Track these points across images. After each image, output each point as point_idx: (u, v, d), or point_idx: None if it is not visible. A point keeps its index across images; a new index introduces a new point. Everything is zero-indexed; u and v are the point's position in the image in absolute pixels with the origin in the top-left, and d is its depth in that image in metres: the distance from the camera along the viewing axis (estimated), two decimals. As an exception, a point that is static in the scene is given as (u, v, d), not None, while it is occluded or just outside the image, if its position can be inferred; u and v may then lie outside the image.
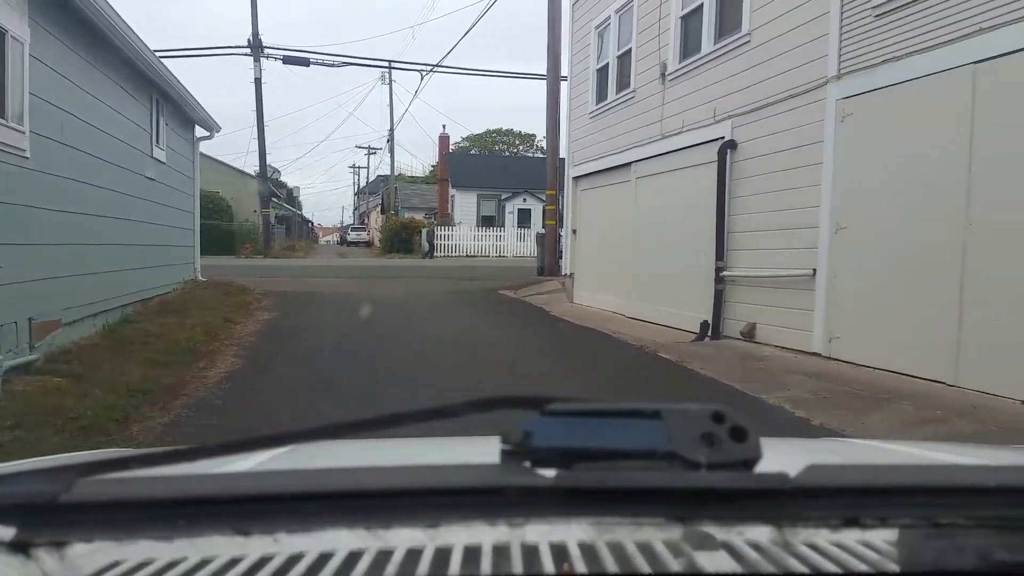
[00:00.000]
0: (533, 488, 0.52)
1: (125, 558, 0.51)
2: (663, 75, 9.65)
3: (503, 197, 37.86)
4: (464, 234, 34.42)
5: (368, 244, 47.28)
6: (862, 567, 0.47)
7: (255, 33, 27.74)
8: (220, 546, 0.51)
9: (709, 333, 8.45)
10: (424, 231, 34.17)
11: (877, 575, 0.47)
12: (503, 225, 36.16)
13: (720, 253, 8.29)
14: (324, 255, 36.13)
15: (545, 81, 16.13)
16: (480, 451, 0.74)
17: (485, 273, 19.08)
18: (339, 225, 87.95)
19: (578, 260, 13.15)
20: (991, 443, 3.97)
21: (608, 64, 11.60)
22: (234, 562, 0.50)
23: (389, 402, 5.02)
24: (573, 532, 0.51)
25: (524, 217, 36.06)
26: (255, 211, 31.39)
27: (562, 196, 14.31)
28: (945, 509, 0.52)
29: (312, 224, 74.49)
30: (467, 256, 32.40)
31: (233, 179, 32.98)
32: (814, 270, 6.89)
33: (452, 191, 38.97)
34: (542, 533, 0.51)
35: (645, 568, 0.47)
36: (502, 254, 33.51)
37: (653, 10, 9.94)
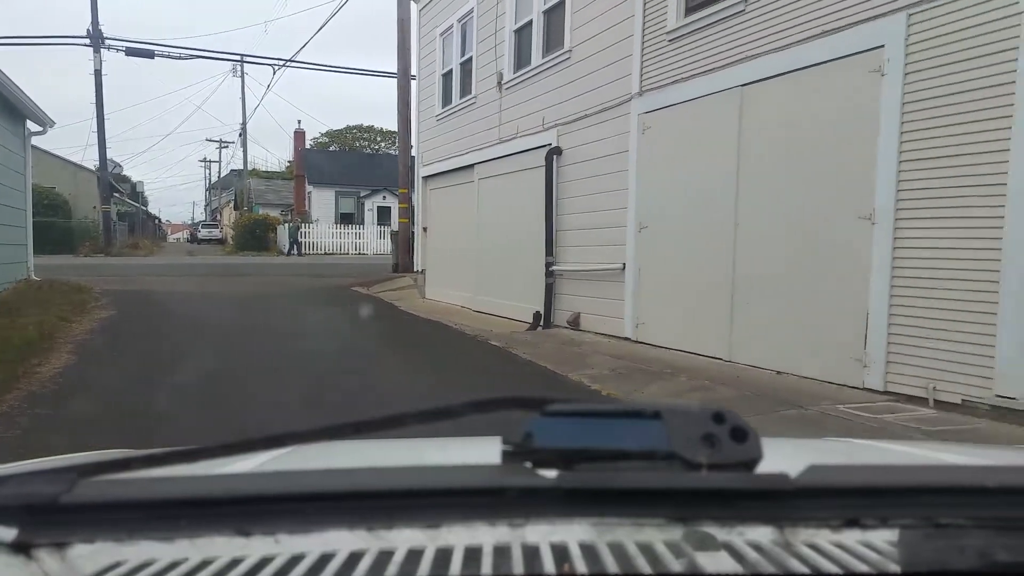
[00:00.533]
0: (534, 489, 0.53)
1: (126, 559, 0.51)
2: (500, 83, 10.34)
3: (362, 194, 37.72)
4: (323, 231, 34.04)
5: (221, 242, 45.54)
6: (863, 567, 0.48)
7: (95, 23, 26.27)
8: (221, 547, 0.51)
9: (541, 323, 9.21)
10: (287, 227, 33.39)
11: (878, 575, 0.47)
12: (363, 223, 36.07)
13: (550, 250, 9.06)
14: (171, 253, 34.59)
15: (397, 69, 16.46)
16: (481, 452, 0.74)
17: (340, 271, 19.19)
18: (190, 222, 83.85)
19: (429, 257, 13.66)
20: (745, 403, 4.85)
21: (452, 70, 12.19)
22: (235, 563, 0.50)
23: (224, 390, 5.32)
24: (574, 532, 0.51)
25: (384, 215, 36.10)
26: (95, 207, 29.66)
27: (414, 194, 14.76)
28: (946, 509, 0.52)
29: (159, 221, 70.63)
30: (325, 254, 32.09)
31: (71, 174, 31.06)
32: (624, 265, 7.77)
33: (309, 188, 38.38)
34: (543, 533, 0.51)
35: (646, 569, 0.47)
36: (362, 252, 33.42)
37: (490, 22, 10.61)
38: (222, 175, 59.90)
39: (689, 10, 6.71)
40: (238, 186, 44.00)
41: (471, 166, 11.44)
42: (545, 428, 0.55)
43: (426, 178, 13.58)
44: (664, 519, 0.52)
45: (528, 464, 0.55)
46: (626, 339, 7.70)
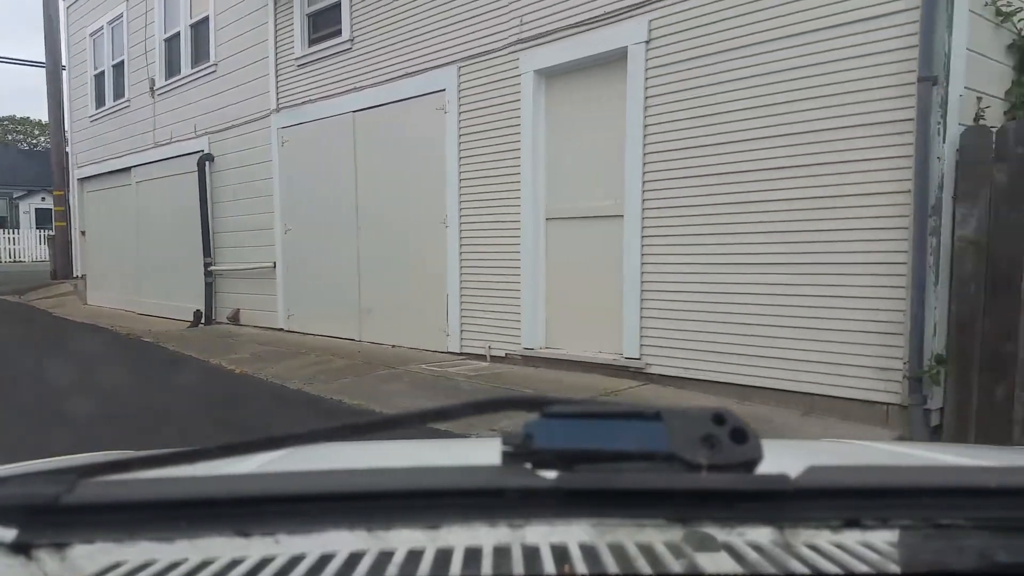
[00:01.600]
0: (534, 489, 0.53)
1: (126, 559, 0.51)
2: (152, 89, 10.56)
3: (16, 195, 33.49)
4: (-35, 237, 29.67)
5: None
6: (863, 568, 0.48)
7: None
8: (221, 547, 0.52)
9: (203, 320, 9.71)
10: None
11: (878, 575, 0.47)
12: (18, 226, 32.04)
13: (208, 250, 9.59)
14: None
15: (45, 71, 15.40)
16: (481, 452, 0.72)
17: (-14, 280, 17.32)
18: None
19: (89, 261, 13.19)
20: (351, 369, 6.04)
21: (105, 71, 12.00)
22: (235, 563, 0.50)
23: None
24: (574, 533, 0.52)
25: (44, 217, 32.38)
26: None
27: (71, 196, 14.04)
28: (946, 510, 0.52)
29: None
30: (-31, 262, 28.07)
31: None
32: (275, 263, 8.65)
33: (-55, 186, 33.06)
34: (543, 534, 0.52)
35: (646, 569, 0.47)
36: (18, 259, 29.73)
37: (141, 28, 10.76)
38: None
39: (311, 41, 7.81)
40: None
41: (128, 169, 11.42)
42: (545, 429, 0.55)
43: (82, 180, 13.10)
44: (664, 520, 0.52)
45: (528, 465, 0.55)
46: (279, 329, 8.59)
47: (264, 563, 0.50)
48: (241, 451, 0.66)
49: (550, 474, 0.53)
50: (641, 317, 5.21)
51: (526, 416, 0.57)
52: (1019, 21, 4.28)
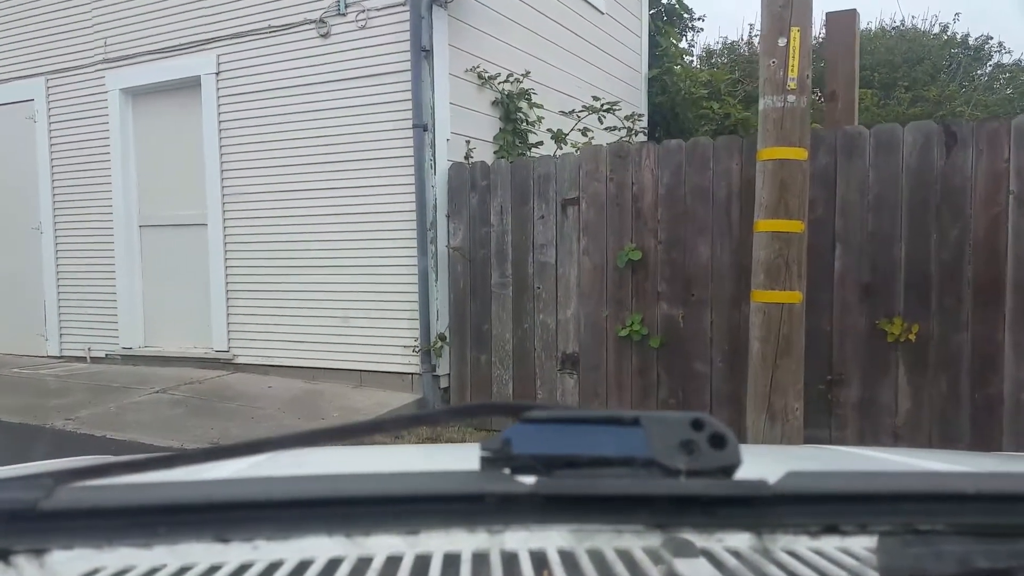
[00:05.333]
0: (512, 495, 0.53)
1: (105, 565, 0.51)
2: None
3: None
4: None
5: None
6: (841, 574, 0.48)
7: None
8: (200, 553, 0.51)
9: None
10: None
11: None
12: None
13: None
14: None
15: None
16: (461, 458, 0.71)
17: None
18: None
19: None
20: None
21: None
22: (214, 569, 0.50)
23: None
24: (552, 539, 0.52)
25: None
26: None
27: None
28: (924, 516, 0.52)
29: None
30: None
31: None
32: None
33: None
34: (521, 540, 0.52)
35: (625, 575, 0.48)
36: None
37: None
38: None
39: None
40: None
41: None
42: (523, 435, 0.55)
43: None
44: (643, 526, 0.52)
45: (507, 470, 0.55)
46: None
47: (243, 569, 0.50)
48: (221, 456, 0.67)
49: (529, 479, 0.53)
50: (228, 314, 5.92)
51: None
52: (499, 84, 5.77)
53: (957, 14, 19.46)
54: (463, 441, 4.35)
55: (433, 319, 5.21)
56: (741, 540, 0.52)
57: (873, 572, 0.49)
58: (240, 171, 5.79)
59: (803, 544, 0.52)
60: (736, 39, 15.26)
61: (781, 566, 0.50)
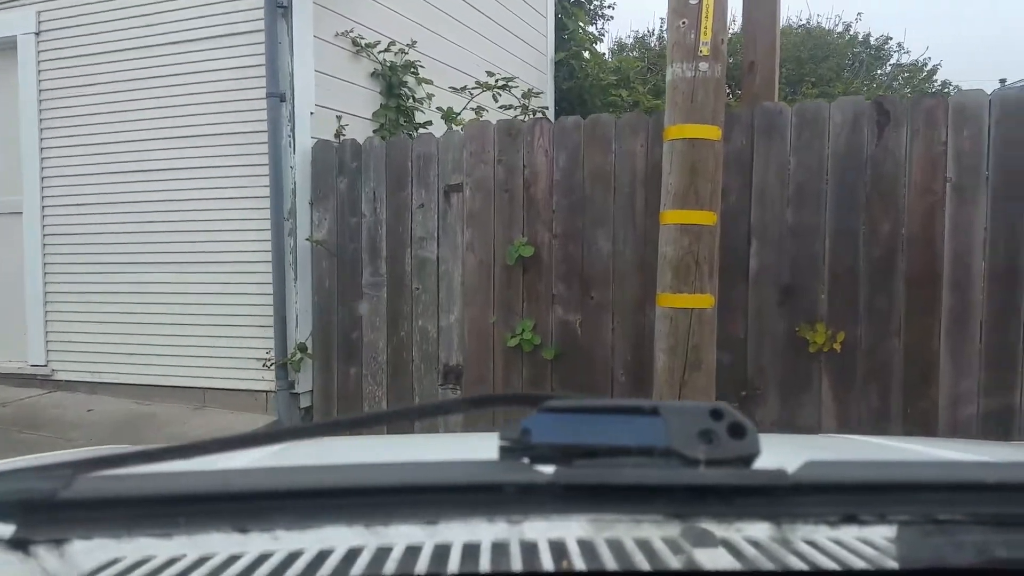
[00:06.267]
0: (531, 485, 0.53)
1: (124, 555, 0.51)
2: None
3: None
4: None
5: None
6: (861, 564, 0.48)
7: None
8: (219, 543, 0.51)
9: None
10: None
11: (876, 572, 0.47)
12: None
13: None
14: None
15: None
16: (479, 447, 0.72)
17: None
18: None
19: None
20: None
21: None
22: (233, 559, 0.50)
23: None
24: (572, 529, 0.52)
25: None
26: None
27: None
28: (944, 506, 0.52)
29: None
30: None
31: None
32: None
33: None
34: (541, 530, 0.52)
35: (644, 565, 0.47)
36: None
37: None
38: None
39: None
40: None
41: None
42: (542, 424, 0.55)
43: None
44: (662, 515, 0.52)
45: (526, 460, 0.55)
46: None
47: (262, 559, 0.49)
48: (238, 445, 0.66)
49: (548, 469, 0.53)
50: (46, 321, 4.93)
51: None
52: (379, 53, 5.00)
53: (859, 13, 19.87)
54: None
55: (291, 326, 4.40)
56: (760, 530, 0.52)
57: (892, 562, 0.48)
58: (64, 148, 4.81)
59: (822, 534, 0.52)
60: (646, 32, 15.00)
61: (800, 556, 0.49)
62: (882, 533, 0.52)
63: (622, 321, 3.72)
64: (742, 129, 3.44)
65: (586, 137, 3.74)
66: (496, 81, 5.23)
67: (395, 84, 5.07)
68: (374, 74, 5.03)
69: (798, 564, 0.48)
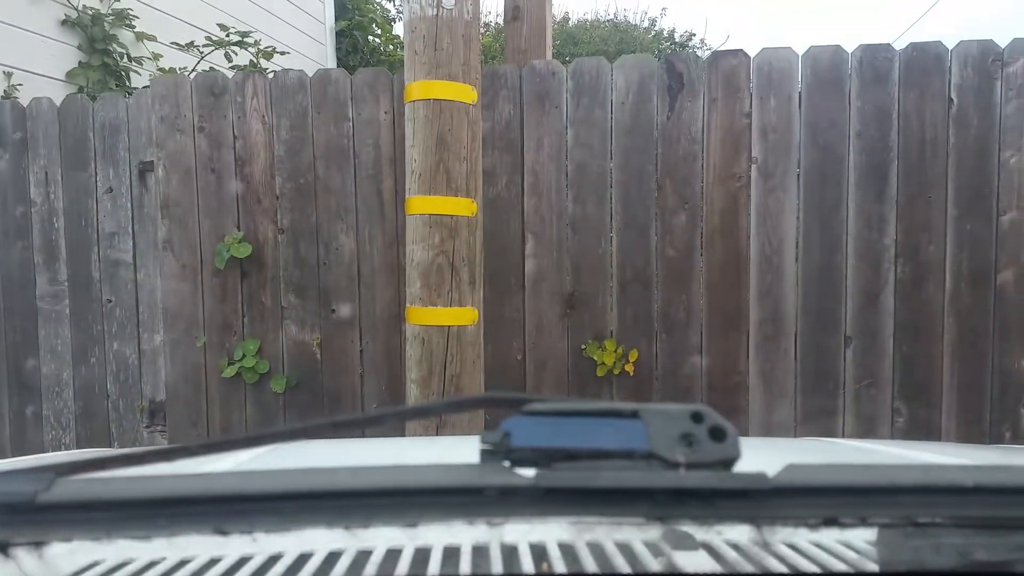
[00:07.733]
0: (512, 488, 0.52)
1: (104, 558, 0.50)
2: None
3: None
4: None
5: None
6: (841, 566, 0.47)
7: None
8: (199, 546, 0.51)
9: None
10: None
11: (856, 575, 0.47)
12: None
13: None
14: None
15: None
16: (461, 450, 0.74)
17: None
18: None
19: None
20: None
21: None
22: (213, 562, 0.49)
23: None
24: (552, 532, 0.51)
25: None
26: None
27: None
28: (924, 508, 0.52)
29: None
30: None
31: None
32: None
33: None
34: (521, 533, 0.51)
35: (625, 568, 0.46)
36: None
37: None
38: None
39: None
40: None
41: None
42: (523, 427, 0.54)
43: None
44: (642, 518, 0.51)
45: (506, 463, 0.53)
46: None
47: (242, 562, 0.49)
48: (221, 449, 0.67)
49: (528, 472, 0.53)
50: None
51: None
52: (75, -5, 3.84)
53: (664, 9, 20.08)
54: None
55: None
56: (741, 533, 0.52)
57: (873, 565, 0.48)
58: None
59: (803, 537, 0.52)
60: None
61: (781, 559, 0.49)
62: (862, 536, 0.52)
63: (373, 340, 2.87)
64: (509, 95, 2.67)
65: (315, 100, 2.83)
66: (228, 35, 4.16)
67: (98, 37, 3.90)
68: (65, 22, 3.85)
69: (778, 567, 0.48)
